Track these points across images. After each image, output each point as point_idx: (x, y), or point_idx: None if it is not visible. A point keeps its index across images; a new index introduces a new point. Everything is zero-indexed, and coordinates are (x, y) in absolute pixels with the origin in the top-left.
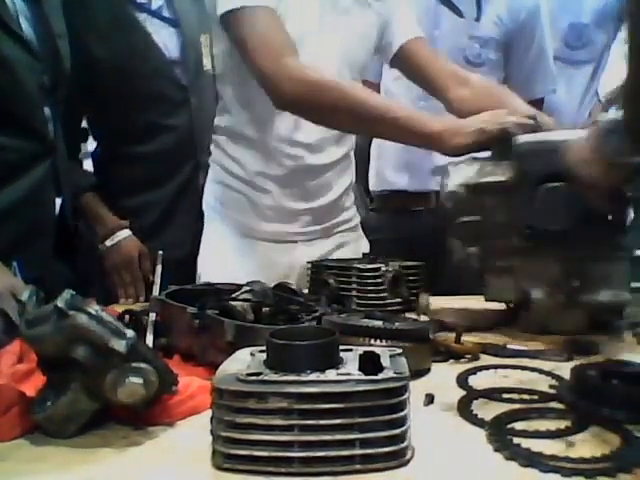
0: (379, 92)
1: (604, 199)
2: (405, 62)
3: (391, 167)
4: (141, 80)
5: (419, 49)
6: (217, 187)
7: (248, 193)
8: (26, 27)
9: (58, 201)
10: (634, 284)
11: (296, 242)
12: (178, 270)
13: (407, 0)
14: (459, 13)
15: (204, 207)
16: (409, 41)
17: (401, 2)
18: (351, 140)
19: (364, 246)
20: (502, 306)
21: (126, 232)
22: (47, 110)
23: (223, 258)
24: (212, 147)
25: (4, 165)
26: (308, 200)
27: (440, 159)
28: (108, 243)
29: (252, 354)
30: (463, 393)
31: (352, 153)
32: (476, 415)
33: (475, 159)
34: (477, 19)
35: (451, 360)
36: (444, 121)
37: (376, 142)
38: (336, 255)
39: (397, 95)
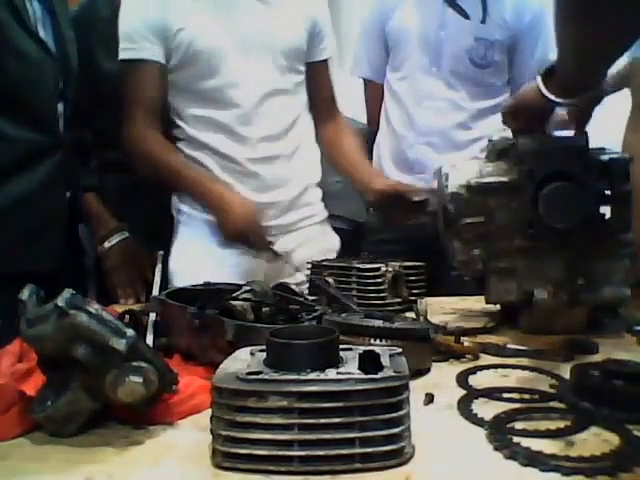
0: (383, 93)
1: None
2: (310, 74)
3: (394, 166)
4: None
5: (323, 71)
6: None
7: None
8: (43, 31)
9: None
10: None
11: None
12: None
13: (414, 1)
14: (465, 15)
15: (172, 210)
16: (320, 61)
17: (325, 14)
18: (299, 137)
19: (333, 241)
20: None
21: (124, 234)
22: (60, 107)
23: (193, 257)
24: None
25: (17, 156)
26: (267, 192)
27: (446, 159)
28: (106, 245)
29: (252, 353)
30: (463, 392)
31: (312, 151)
32: (476, 414)
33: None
34: (483, 21)
35: (451, 360)
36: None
37: (377, 142)
38: (302, 249)
39: (401, 95)
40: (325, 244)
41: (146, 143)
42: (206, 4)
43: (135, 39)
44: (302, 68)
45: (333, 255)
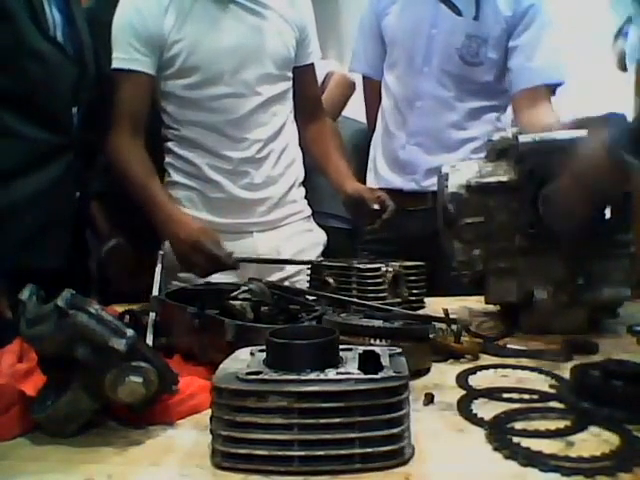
0: (380, 90)
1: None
2: (297, 77)
3: (386, 166)
4: None
5: (310, 73)
6: (173, 187)
7: (200, 188)
8: (61, 36)
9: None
10: None
11: (251, 232)
12: None
13: (406, 2)
14: (457, 11)
15: None
16: (308, 64)
17: (311, 19)
18: (287, 138)
19: (319, 236)
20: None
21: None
22: (74, 110)
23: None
24: (165, 154)
25: (31, 155)
26: (256, 190)
27: (436, 160)
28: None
29: (252, 353)
30: (463, 393)
31: (297, 152)
32: (476, 414)
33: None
34: (475, 18)
35: (451, 360)
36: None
37: (373, 140)
38: (292, 243)
39: (395, 94)
40: (312, 238)
41: (125, 154)
42: (201, 16)
43: (127, 49)
44: (290, 75)
45: (320, 248)
